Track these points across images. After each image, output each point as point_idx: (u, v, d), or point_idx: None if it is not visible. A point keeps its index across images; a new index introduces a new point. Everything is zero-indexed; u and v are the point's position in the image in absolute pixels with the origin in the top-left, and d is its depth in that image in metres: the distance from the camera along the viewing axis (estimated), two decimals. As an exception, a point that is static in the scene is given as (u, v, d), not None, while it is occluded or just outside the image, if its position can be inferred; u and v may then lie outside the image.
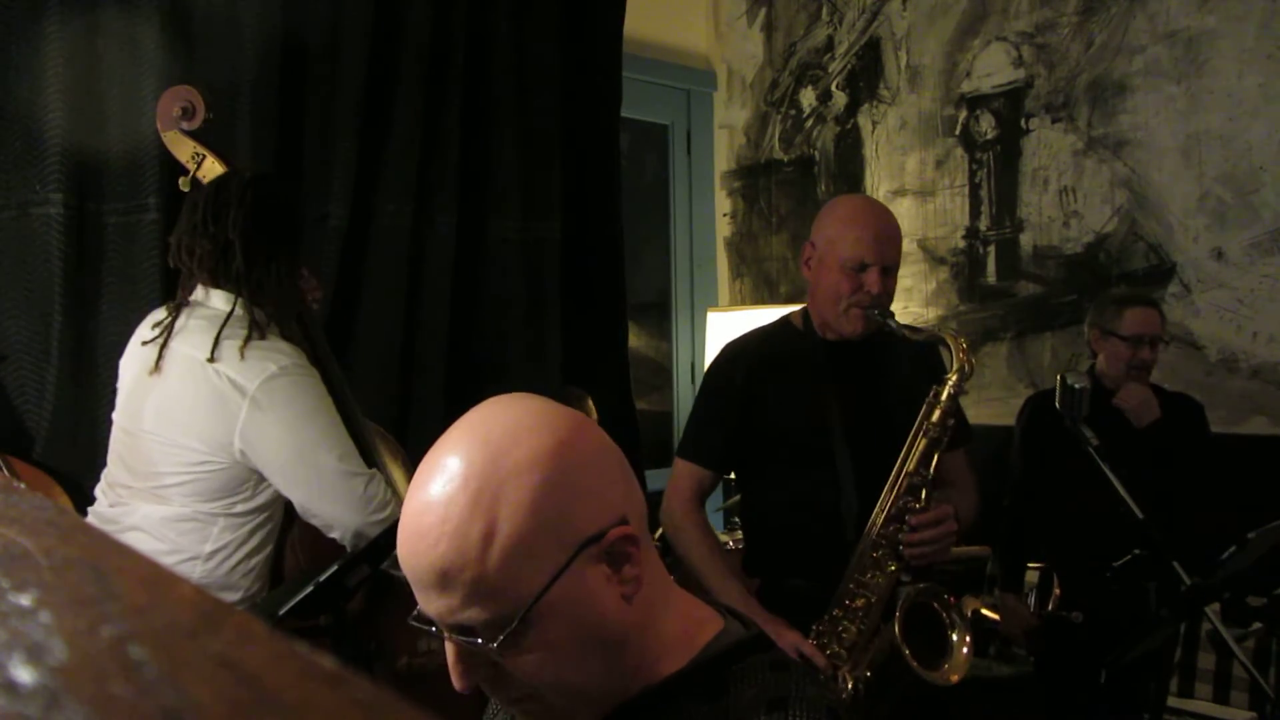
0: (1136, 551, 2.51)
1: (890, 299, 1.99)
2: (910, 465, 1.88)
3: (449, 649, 0.84)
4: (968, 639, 1.83)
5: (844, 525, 1.94)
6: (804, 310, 2.11)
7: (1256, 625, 2.14)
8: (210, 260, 1.85)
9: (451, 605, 0.80)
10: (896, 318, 1.95)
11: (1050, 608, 2.62)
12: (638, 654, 0.87)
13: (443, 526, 0.79)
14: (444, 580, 0.79)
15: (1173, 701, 2.84)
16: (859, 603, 1.86)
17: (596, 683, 0.85)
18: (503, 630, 0.79)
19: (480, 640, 0.80)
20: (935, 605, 1.86)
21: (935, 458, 1.88)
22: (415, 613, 0.85)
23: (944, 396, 1.89)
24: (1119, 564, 2.55)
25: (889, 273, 1.96)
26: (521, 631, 0.80)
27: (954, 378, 1.89)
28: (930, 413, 1.89)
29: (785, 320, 2.17)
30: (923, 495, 1.87)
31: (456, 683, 0.84)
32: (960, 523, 1.93)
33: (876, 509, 1.88)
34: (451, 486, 0.80)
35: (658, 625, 0.88)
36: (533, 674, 0.82)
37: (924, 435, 1.88)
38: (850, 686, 1.81)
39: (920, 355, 1.96)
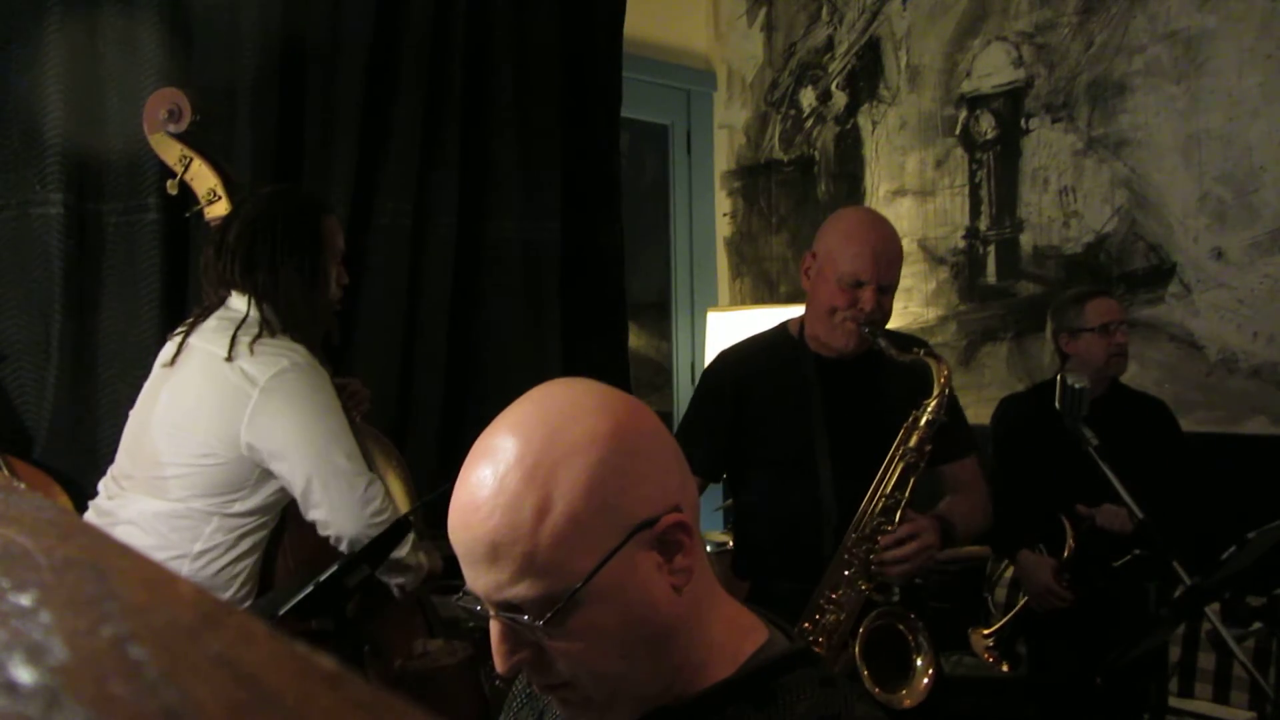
0: (1136, 551, 2.51)
1: (886, 318, 1.98)
2: (886, 487, 1.88)
3: (493, 628, 0.82)
4: (930, 669, 1.82)
5: (823, 538, 1.95)
6: (801, 321, 2.11)
7: (1256, 625, 2.14)
8: (217, 267, 1.92)
9: (500, 580, 0.79)
10: (892, 325, 1.96)
11: (1065, 554, 2.58)
12: (682, 654, 0.85)
13: (496, 499, 0.78)
14: (494, 554, 0.78)
15: (1173, 701, 2.84)
16: (829, 619, 1.86)
17: (638, 677, 0.84)
18: (550, 609, 0.78)
19: (526, 618, 0.79)
20: (900, 627, 1.85)
21: (912, 481, 1.88)
22: (461, 591, 0.84)
23: (922, 421, 1.89)
24: (1119, 564, 2.56)
25: (885, 291, 1.95)
26: (568, 612, 0.78)
27: (933, 404, 1.89)
28: (907, 437, 1.89)
29: (783, 327, 2.16)
30: (896, 517, 1.87)
31: (499, 664, 0.83)
32: (956, 530, 1.93)
33: (850, 528, 1.89)
34: (507, 462, 0.79)
35: (704, 627, 0.87)
36: (576, 659, 0.81)
37: (900, 459, 1.88)
38: None
39: (911, 374, 1.96)
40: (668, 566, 0.82)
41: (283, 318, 1.89)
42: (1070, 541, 2.57)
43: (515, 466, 0.79)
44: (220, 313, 1.90)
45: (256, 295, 1.88)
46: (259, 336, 1.83)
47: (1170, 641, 2.80)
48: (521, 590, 0.78)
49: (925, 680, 1.82)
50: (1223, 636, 2.05)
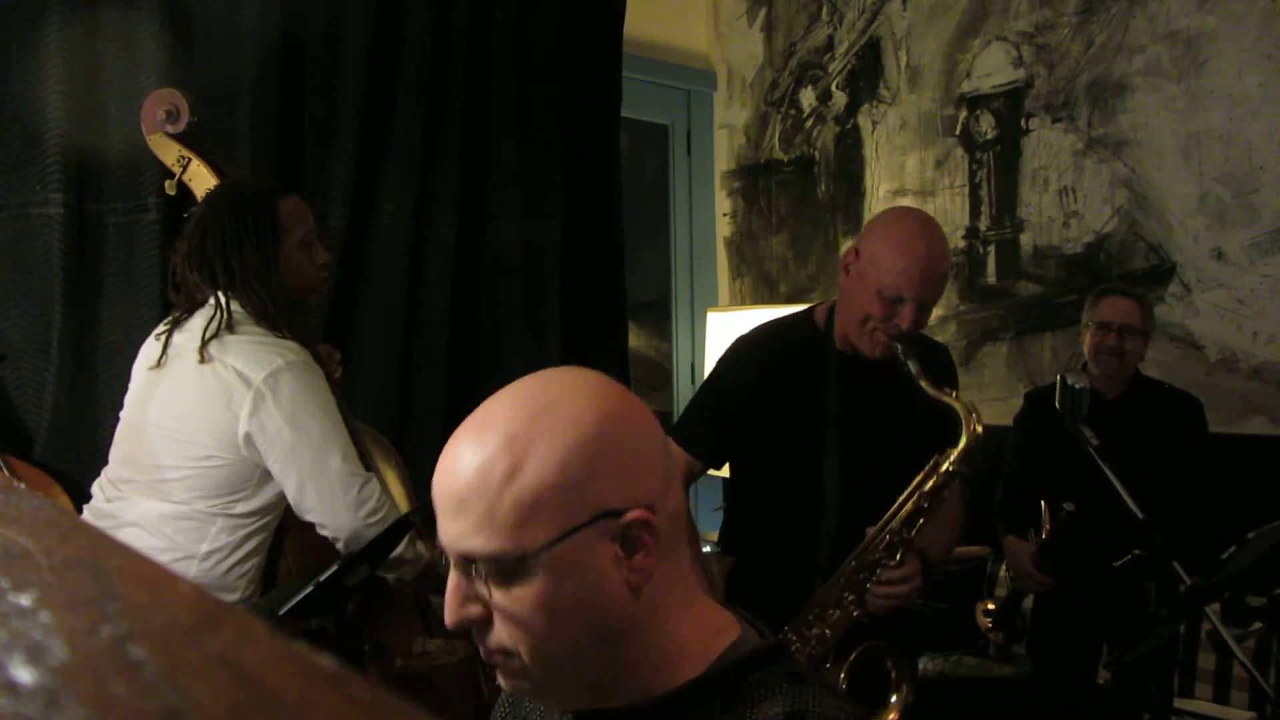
0: (1136, 551, 2.51)
1: (920, 329, 1.93)
2: (894, 523, 1.82)
3: (450, 580, 0.86)
4: (904, 704, 1.83)
5: (819, 546, 1.92)
6: (830, 309, 2.03)
7: (1256, 625, 2.14)
8: (183, 268, 1.91)
9: (462, 530, 0.83)
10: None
11: (1044, 535, 2.67)
12: (638, 654, 0.86)
13: (474, 457, 0.83)
14: (461, 506, 0.82)
15: (1174, 701, 2.84)
16: (814, 631, 1.84)
17: (581, 664, 0.85)
18: (499, 566, 0.81)
19: (478, 568, 0.82)
20: (889, 662, 1.84)
21: (920, 522, 1.82)
22: (437, 544, 0.88)
23: (942, 468, 1.81)
24: (1119, 564, 2.56)
25: (925, 309, 1.89)
26: (517, 574, 0.81)
27: (956, 454, 1.80)
28: (924, 481, 1.82)
29: (809, 316, 2.09)
30: (898, 556, 1.83)
31: (448, 615, 0.86)
32: (933, 562, 1.90)
33: (853, 554, 1.85)
34: (494, 425, 0.84)
35: (669, 629, 0.88)
36: (518, 628, 0.83)
37: (913, 501, 1.82)
38: None
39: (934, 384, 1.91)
40: (626, 563, 0.84)
41: (253, 310, 1.86)
42: (1046, 526, 2.63)
43: (499, 431, 0.83)
44: (204, 311, 1.88)
45: (220, 291, 1.86)
46: (218, 333, 1.81)
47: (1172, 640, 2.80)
48: (479, 543, 0.82)
49: (895, 715, 1.83)
50: (1223, 636, 2.05)
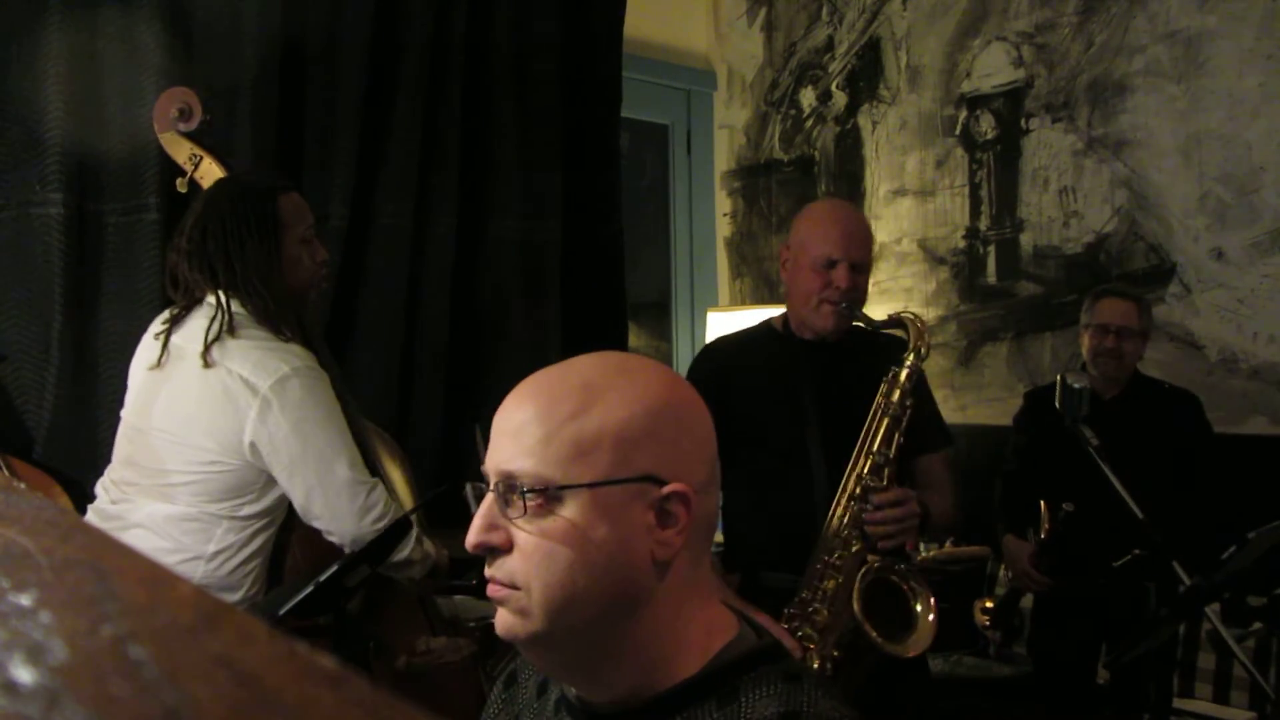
0: (1136, 551, 2.51)
1: (862, 297, 2.04)
2: (873, 444, 1.91)
3: (482, 504, 0.88)
4: (932, 610, 1.85)
5: (817, 519, 1.95)
6: (785, 316, 2.16)
7: (1256, 625, 2.14)
8: (181, 266, 1.88)
9: (513, 452, 0.86)
10: (881, 315, 2.02)
11: (1043, 534, 2.70)
12: (641, 639, 0.87)
13: (548, 391, 0.88)
14: (520, 430, 0.86)
15: (1173, 702, 2.84)
16: (828, 584, 1.87)
17: (583, 623, 0.85)
18: (538, 491, 0.84)
19: (518, 486, 0.84)
20: (893, 578, 1.87)
21: (896, 437, 1.91)
22: (481, 471, 0.90)
23: (902, 376, 1.94)
24: (1119, 564, 2.56)
25: (858, 269, 2.02)
26: (553, 504, 0.84)
27: (910, 358, 1.94)
28: (890, 392, 1.94)
29: (766, 323, 2.21)
30: (885, 475, 1.90)
31: (470, 537, 0.87)
32: (932, 518, 1.96)
33: (840, 488, 1.91)
34: (575, 370, 0.90)
35: (679, 625, 0.89)
36: (535, 563, 0.84)
37: (884, 414, 1.92)
38: (818, 666, 1.84)
39: (898, 355, 1.99)
40: (656, 532, 0.86)
41: (254, 310, 1.84)
42: (1045, 526, 2.64)
43: (578, 376, 0.89)
44: (202, 310, 1.85)
45: (221, 290, 1.83)
46: (220, 336, 1.79)
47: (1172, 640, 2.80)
48: (528, 464, 0.85)
49: (930, 619, 1.84)
50: (1223, 636, 2.05)
